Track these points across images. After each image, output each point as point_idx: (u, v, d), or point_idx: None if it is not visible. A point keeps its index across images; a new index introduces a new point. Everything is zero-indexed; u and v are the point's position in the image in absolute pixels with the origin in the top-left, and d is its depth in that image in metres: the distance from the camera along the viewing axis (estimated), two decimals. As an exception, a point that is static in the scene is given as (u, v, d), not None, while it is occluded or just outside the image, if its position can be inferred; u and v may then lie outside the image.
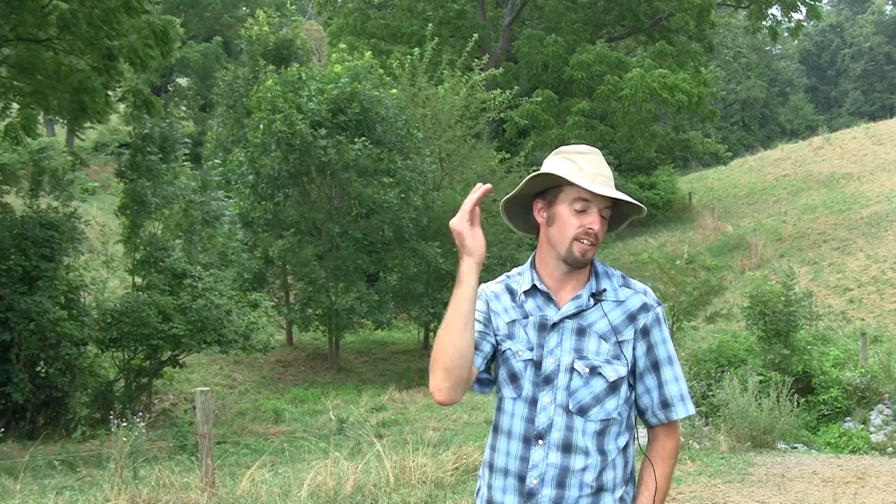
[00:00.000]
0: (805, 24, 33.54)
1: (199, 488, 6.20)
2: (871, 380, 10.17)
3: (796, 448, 8.66)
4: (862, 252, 20.57)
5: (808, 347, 10.53)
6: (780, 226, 25.06)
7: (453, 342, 2.10)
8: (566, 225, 2.17)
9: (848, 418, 9.88)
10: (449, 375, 2.11)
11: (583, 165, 2.18)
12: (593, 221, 2.15)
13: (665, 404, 2.21)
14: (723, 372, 9.60)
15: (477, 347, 2.20)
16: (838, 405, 9.87)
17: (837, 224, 23.63)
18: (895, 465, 7.51)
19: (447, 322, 2.11)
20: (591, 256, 2.17)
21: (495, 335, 2.25)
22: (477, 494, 2.31)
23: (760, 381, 9.18)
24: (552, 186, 2.21)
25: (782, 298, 10.34)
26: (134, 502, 5.90)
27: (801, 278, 17.52)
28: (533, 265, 2.26)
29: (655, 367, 2.20)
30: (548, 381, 2.17)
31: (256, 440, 9.97)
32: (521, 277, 2.28)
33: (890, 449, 9.11)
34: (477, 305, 2.20)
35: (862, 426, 9.64)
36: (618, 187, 2.25)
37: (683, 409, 2.22)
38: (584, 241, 2.15)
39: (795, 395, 9.13)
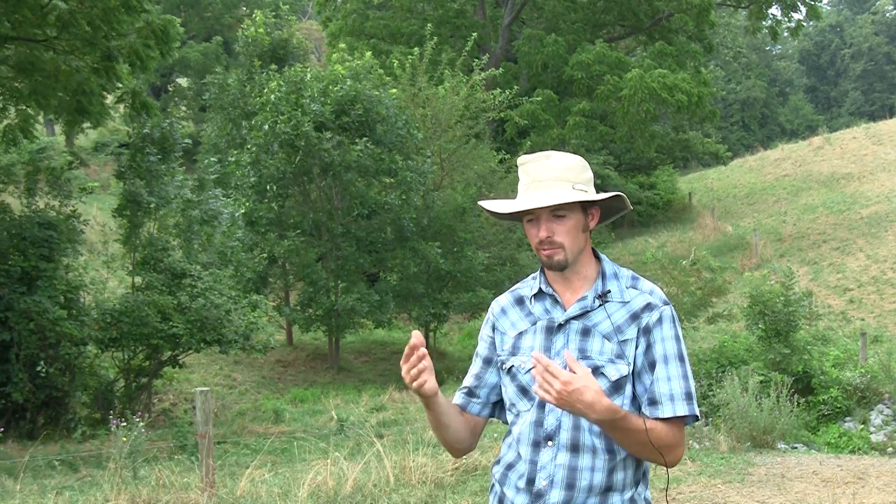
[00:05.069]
0: (805, 24, 33.54)
1: (199, 488, 6.20)
2: (871, 380, 10.16)
3: (796, 448, 8.66)
4: (862, 252, 20.57)
5: (808, 347, 10.52)
6: (780, 226, 25.06)
7: (445, 439, 2.35)
8: (530, 238, 2.26)
9: (848, 418, 9.87)
10: (457, 451, 2.41)
11: (522, 178, 2.25)
12: (541, 230, 2.20)
13: (652, 401, 2.16)
14: (723, 372, 9.59)
15: (477, 395, 2.38)
16: (838, 405, 9.87)
17: (837, 224, 23.64)
18: (895, 465, 7.51)
19: (432, 429, 2.37)
20: (560, 259, 2.20)
21: (498, 357, 2.33)
22: (491, 491, 2.34)
23: (760, 382, 9.17)
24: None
25: (781, 298, 10.34)
26: (134, 502, 5.90)
27: (801, 278, 17.54)
28: (542, 269, 2.31)
29: (652, 365, 2.18)
30: None
31: (256, 440, 9.96)
32: (533, 282, 2.33)
33: (890, 449, 9.10)
34: (485, 331, 2.39)
35: (862, 426, 9.64)
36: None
37: (670, 409, 2.14)
38: (545, 249, 2.21)
39: (795, 395, 9.13)
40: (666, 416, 2.14)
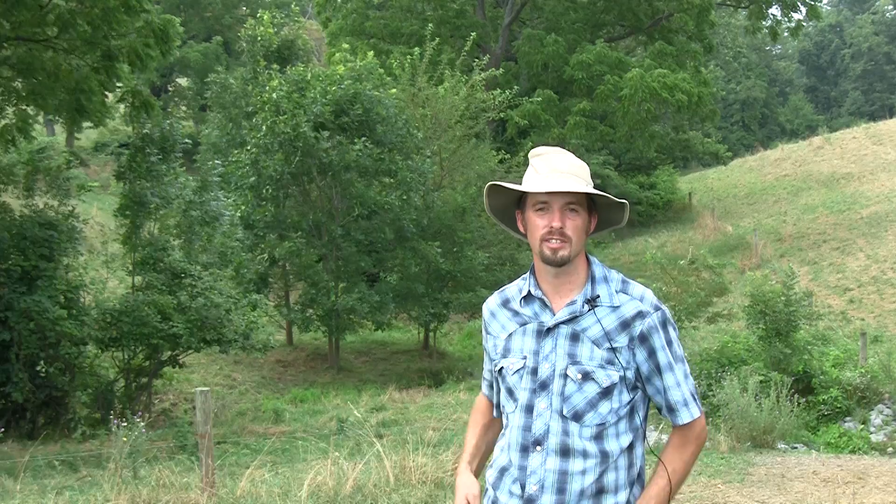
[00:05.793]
0: (805, 24, 33.53)
1: (199, 488, 6.19)
2: (871, 380, 10.15)
3: (796, 448, 8.66)
4: (862, 252, 20.56)
5: (809, 347, 10.51)
6: (780, 226, 25.06)
7: None
8: (534, 228, 2.21)
9: (848, 418, 9.86)
10: None
11: (538, 167, 2.22)
12: (553, 219, 2.17)
13: (670, 409, 2.24)
14: (723, 372, 9.59)
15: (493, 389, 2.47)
16: (838, 405, 9.85)
17: (837, 224, 23.63)
18: (895, 465, 7.51)
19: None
20: (565, 254, 2.17)
21: (493, 361, 2.37)
22: (484, 495, 2.33)
23: (760, 382, 9.17)
24: (521, 196, 2.26)
25: (782, 298, 10.33)
26: (134, 502, 5.90)
27: (801, 278, 17.51)
28: (532, 272, 2.30)
29: (658, 371, 2.21)
30: (543, 386, 2.19)
31: (256, 440, 9.96)
32: (523, 283, 2.32)
33: (890, 449, 9.10)
34: (483, 331, 2.44)
35: (862, 426, 9.63)
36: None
37: (688, 414, 2.23)
38: (552, 241, 2.17)
39: (795, 395, 9.12)
40: (684, 422, 2.23)
